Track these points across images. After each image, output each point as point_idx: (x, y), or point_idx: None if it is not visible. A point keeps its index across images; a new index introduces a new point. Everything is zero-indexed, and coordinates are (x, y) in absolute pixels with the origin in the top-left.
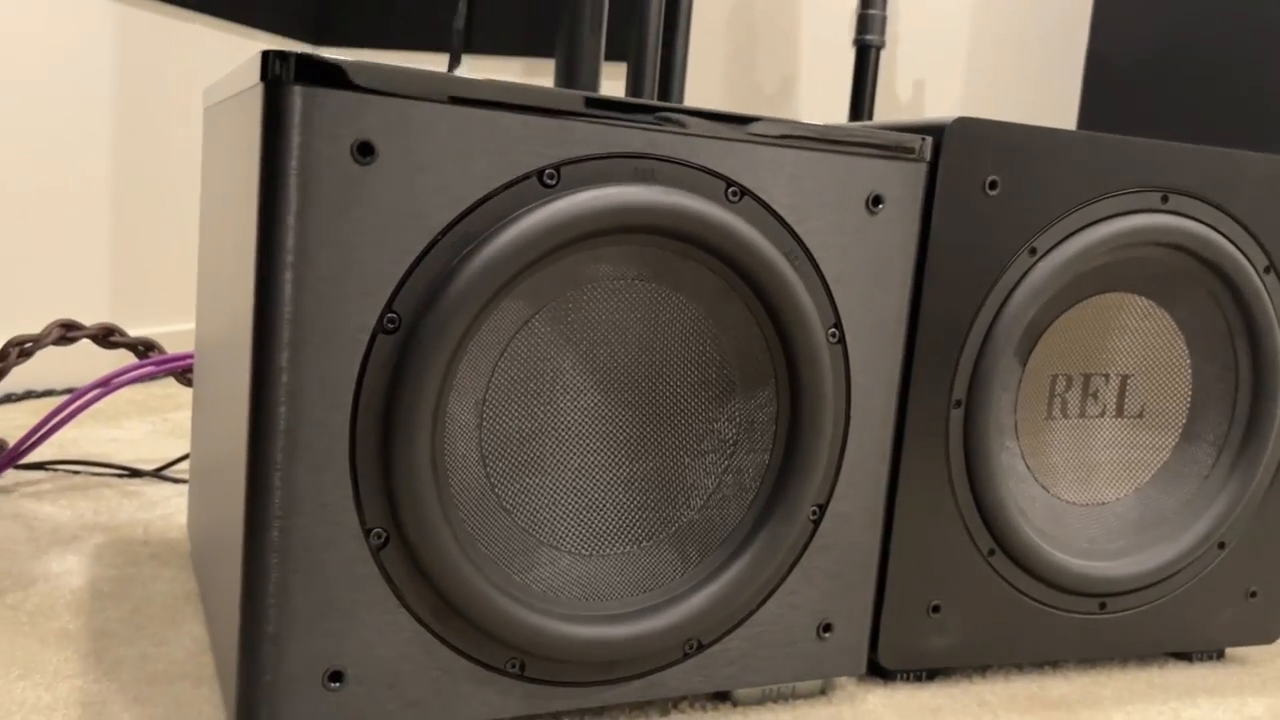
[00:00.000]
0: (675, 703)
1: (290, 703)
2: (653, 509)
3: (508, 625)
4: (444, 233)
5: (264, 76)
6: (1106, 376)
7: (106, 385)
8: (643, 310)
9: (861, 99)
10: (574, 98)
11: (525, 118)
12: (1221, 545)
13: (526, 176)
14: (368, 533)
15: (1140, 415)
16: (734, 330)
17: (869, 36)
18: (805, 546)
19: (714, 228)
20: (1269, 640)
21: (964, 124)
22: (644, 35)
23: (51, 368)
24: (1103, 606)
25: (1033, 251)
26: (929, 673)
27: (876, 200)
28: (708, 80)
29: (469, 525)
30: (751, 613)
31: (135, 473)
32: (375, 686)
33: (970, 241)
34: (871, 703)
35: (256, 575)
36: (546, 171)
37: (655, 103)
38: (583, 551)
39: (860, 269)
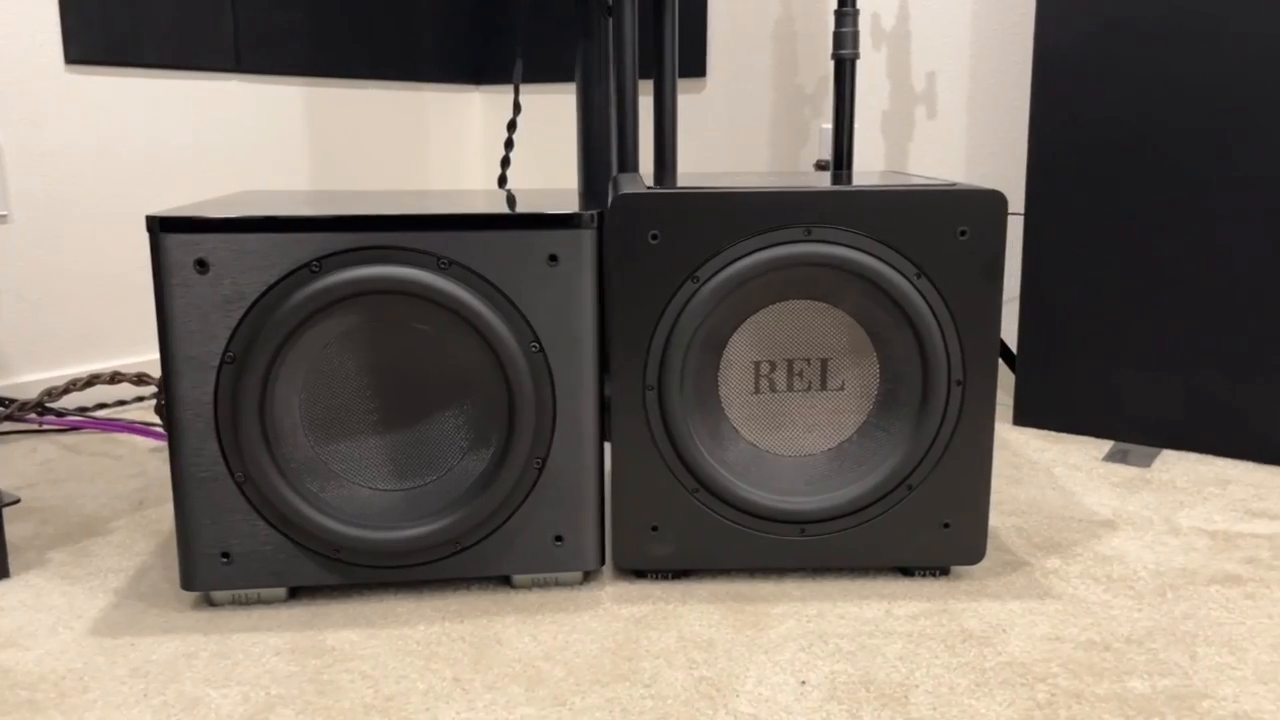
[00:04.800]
0: (469, 583)
1: (202, 570)
2: (426, 461)
3: (325, 532)
4: (254, 304)
5: (149, 229)
6: (809, 360)
7: None
8: (399, 338)
9: (843, 106)
10: (330, 220)
11: (300, 235)
12: (910, 487)
13: (302, 267)
14: (233, 475)
15: (842, 388)
16: (464, 347)
17: (844, 51)
18: (534, 484)
19: (425, 286)
20: (972, 561)
21: (623, 199)
22: (623, 74)
23: None
24: (803, 531)
25: (695, 279)
26: (676, 573)
27: (553, 257)
28: (759, 85)
29: (299, 470)
30: (499, 527)
31: None
32: (249, 562)
33: (643, 276)
34: (606, 590)
35: (182, 497)
36: (313, 263)
37: (383, 214)
38: (378, 487)
39: (550, 304)
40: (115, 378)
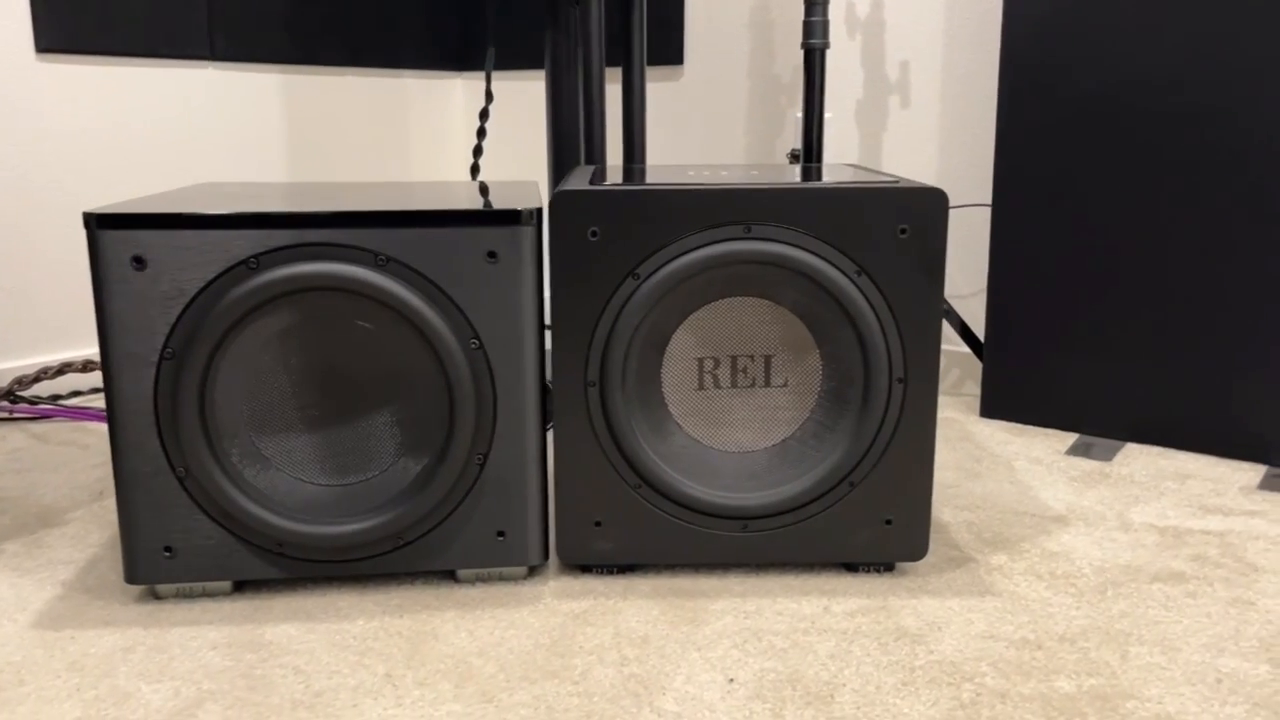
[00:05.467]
0: (413, 577)
1: (145, 564)
2: (368, 456)
3: (266, 526)
4: (192, 301)
5: (86, 226)
6: (752, 357)
7: None
8: (339, 334)
9: (813, 96)
10: (267, 216)
11: (237, 231)
12: (852, 484)
13: (239, 264)
14: (174, 470)
15: (785, 385)
16: (404, 343)
17: (813, 41)
18: (476, 480)
19: (362, 283)
20: (914, 558)
21: (562, 195)
22: (590, 64)
23: None
24: (745, 527)
25: (635, 276)
26: (621, 567)
27: (492, 254)
28: (736, 73)
29: (240, 466)
30: (441, 522)
31: None
32: (191, 556)
33: (583, 273)
34: (549, 585)
35: (124, 491)
36: (250, 260)
37: (319, 211)
38: (320, 482)
39: (490, 300)
40: (87, 366)
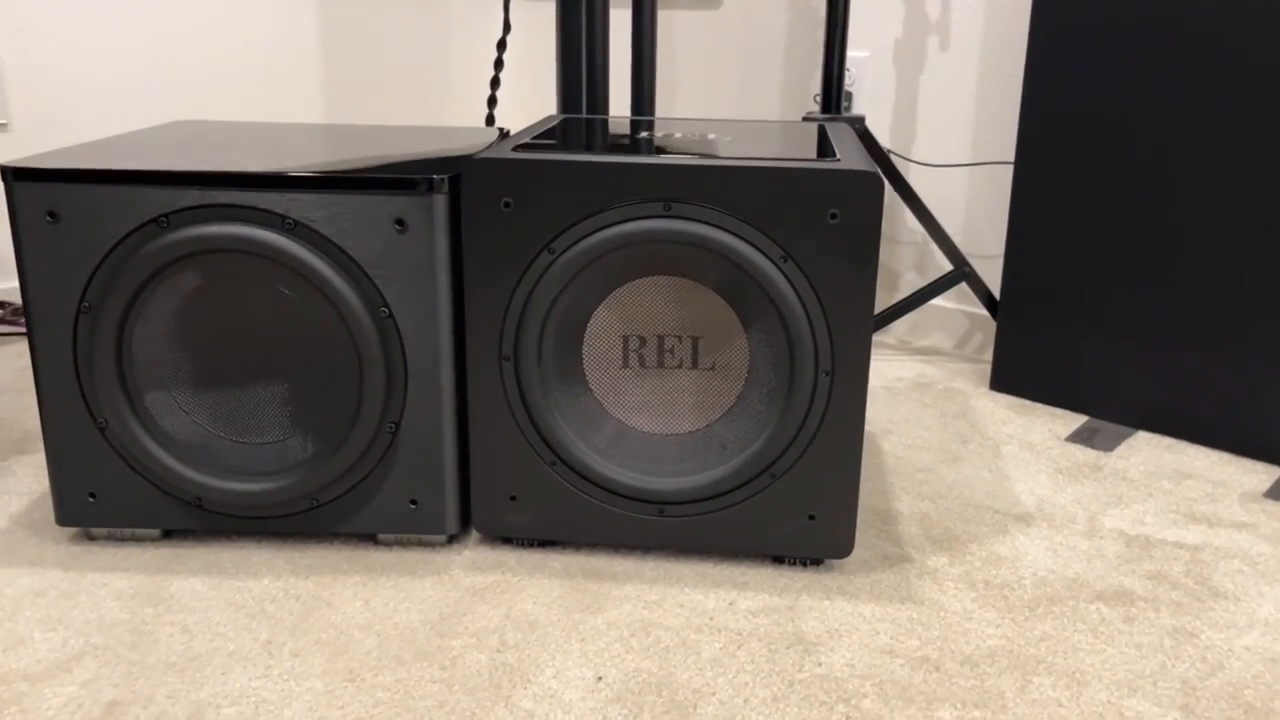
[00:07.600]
0: (334, 536)
1: (72, 507)
2: (284, 416)
3: (183, 480)
4: (107, 255)
5: (2, 178)
6: (680, 338)
7: None
8: (255, 296)
9: (834, 37)
10: (176, 175)
11: (149, 188)
12: (774, 475)
13: (150, 221)
14: (95, 420)
15: (712, 368)
16: (314, 308)
17: None
18: (389, 448)
19: (268, 247)
20: (838, 555)
21: (476, 163)
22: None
23: None
24: (662, 512)
25: (551, 250)
26: (541, 542)
27: (400, 222)
28: (776, 6)
29: (160, 420)
30: (354, 486)
31: None
32: (114, 503)
33: (497, 246)
34: (463, 555)
35: (50, 438)
36: (161, 218)
37: (227, 171)
38: (236, 439)
39: (400, 269)
40: None
